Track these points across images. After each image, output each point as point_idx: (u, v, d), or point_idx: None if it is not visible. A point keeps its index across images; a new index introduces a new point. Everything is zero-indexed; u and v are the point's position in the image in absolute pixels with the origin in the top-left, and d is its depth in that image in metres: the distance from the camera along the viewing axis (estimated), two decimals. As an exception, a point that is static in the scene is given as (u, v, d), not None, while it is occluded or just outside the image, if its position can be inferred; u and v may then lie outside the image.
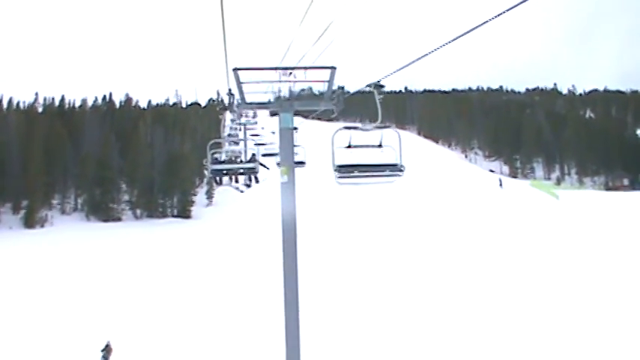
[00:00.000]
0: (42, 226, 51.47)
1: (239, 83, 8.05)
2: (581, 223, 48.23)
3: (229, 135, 26.18)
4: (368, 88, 7.06)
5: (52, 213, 54.53)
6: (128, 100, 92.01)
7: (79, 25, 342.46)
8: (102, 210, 57.04)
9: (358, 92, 9.60)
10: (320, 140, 50.69)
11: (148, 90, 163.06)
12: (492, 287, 27.05)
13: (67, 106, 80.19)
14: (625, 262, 31.71)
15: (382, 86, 7.06)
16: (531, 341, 19.69)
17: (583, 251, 35.43)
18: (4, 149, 53.48)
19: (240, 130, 24.08)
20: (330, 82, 7.98)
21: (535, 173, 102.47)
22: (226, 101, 10.20)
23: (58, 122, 62.84)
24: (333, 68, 7.62)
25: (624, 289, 25.94)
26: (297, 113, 8.67)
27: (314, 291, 23.10)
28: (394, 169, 7.26)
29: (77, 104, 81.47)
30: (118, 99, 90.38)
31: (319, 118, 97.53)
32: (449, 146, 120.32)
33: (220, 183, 62.12)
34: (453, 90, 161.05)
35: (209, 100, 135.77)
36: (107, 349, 17.82)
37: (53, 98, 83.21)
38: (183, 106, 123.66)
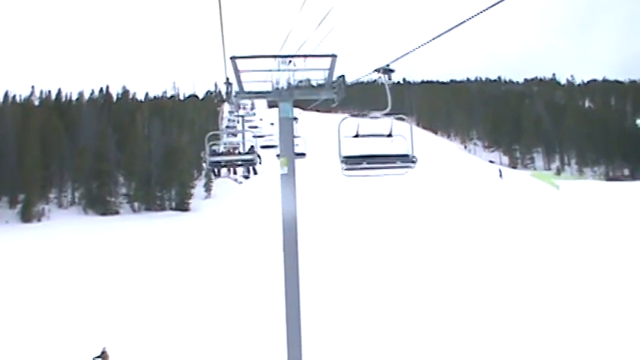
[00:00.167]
0: (39, 220, 51.15)
1: (237, 72, 7.78)
2: (583, 214, 47.98)
3: (227, 127, 25.84)
4: (376, 74, 6.49)
5: (49, 207, 54.23)
6: (125, 92, 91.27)
7: (76, 17, 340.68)
8: (99, 203, 56.71)
9: (357, 83, 9.21)
10: (319, 132, 50.40)
11: (146, 82, 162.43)
12: (494, 279, 26.82)
13: (63, 99, 79.55)
14: (627, 254, 31.49)
15: (392, 70, 6.50)
16: (534, 334, 19.45)
17: (585, 242, 35.21)
18: (0, 143, 53.02)
19: (238, 122, 23.79)
20: (331, 70, 7.71)
21: (535, 163, 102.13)
22: (224, 91, 10.01)
23: (54, 115, 62.35)
24: (333, 56, 7.35)
25: (627, 282, 25.71)
26: (295, 105, 8.35)
27: (315, 287, 22.81)
28: (406, 160, 6.77)
29: (74, 97, 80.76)
30: (115, 92, 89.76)
31: (317, 110, 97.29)
32: (448, 137, 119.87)
33: (219, 175, 61.43)
34: (451, 81, 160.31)
35: (207, 92, 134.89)
36: (103, 357, 17.13)
37: (50, 91, 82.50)
38: (181, 98, 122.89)
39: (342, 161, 6.66)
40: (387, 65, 6.35)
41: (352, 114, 6.71)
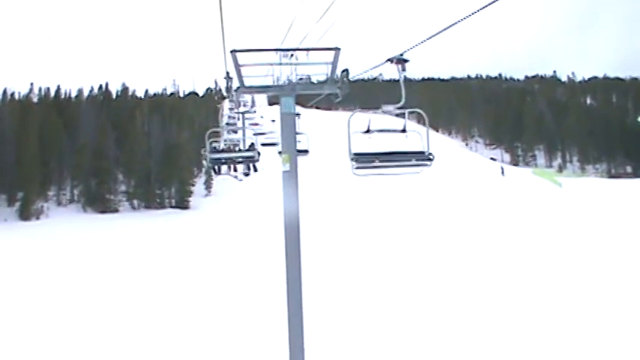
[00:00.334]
0: (37, 218, 50.83)
1: (237, 66, 7.51)
2: (586, 212, 47.68)
3: (227, 124, 25.59)
4: (388, 63, 6.03)
5: (48, 205, 53.91)
6: (125, 89, 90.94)
7: (75, 14, 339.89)
8: (98, 201, 56.43)
9: (358, 80, 8.83)
10: (320, 129, 50.13)
11: (145, 80, 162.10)
12: (498, 276, 26.50)
13: (62, 96, 79.09)
14: (631, 251, 31.17)
15: (406, 60, 6.01)
16: (539, 331, 19.12)
17: (589, 240, 34.90)
18: (-2, 140, 52.84)
19: (238, 119, 23.53)
20: (335, 64, 7.44)
21: (537, 161, 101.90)
22: (224, 86, 9.86)
23: (53, 113, 61.97)
24: (337, 49, 7.09)
25: (630, 279, 25.39)
26: (296, 102, 8.07)
27: (317, 287, 22.48)
28: (422, 157, 6.33)
29: (73, 94, 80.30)
30: (114, 89, 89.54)
31: (317, 107, 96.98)
32: (449, 134, 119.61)
33: (219, 172, 61.33)
34: (452, 78, 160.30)
35: (207, 90, 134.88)
36: None
37: (48, 88, 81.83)
38: (181, 95, 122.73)
39: (352, 159, 6.14)
40: (401, 55, 5.86)
41: (362, 108, 6.21)
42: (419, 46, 5.69)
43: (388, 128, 6.38)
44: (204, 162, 54.67)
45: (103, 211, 55.12)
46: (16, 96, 73.94)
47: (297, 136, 8.91)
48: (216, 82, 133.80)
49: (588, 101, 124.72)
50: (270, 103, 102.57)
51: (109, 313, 22.21)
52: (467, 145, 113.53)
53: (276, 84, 8.04)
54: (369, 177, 6.82)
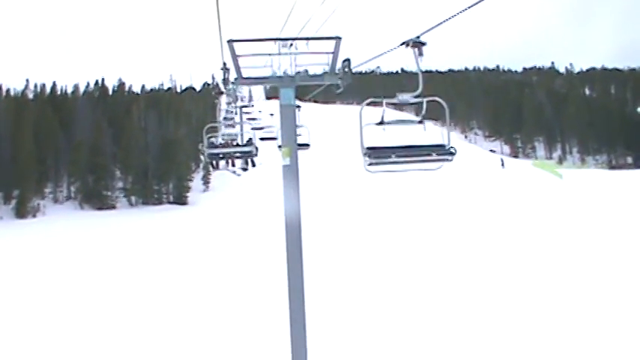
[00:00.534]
0: (34, 215, 50.51)
1: (235, 56, 7.19)
2: (587, 203, 47.44)
3: (225, 118, 25.17)
4: (403, 47, 5.42)
5: (45, 202, 53.61)
6: (121, 85, 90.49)
7: (71, 9, 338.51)
8: (96, 198, 56.12)
9: (355, 73, 8.41)
10: (319, 123, 49.75)
11: (142, 75, 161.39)
12: (499, 269, 26.19)
13: (58, 92, 78.48)
14: (633, 243, 30.89)
15: (423, 43, 5.40)
16: (541, 327, 18.81)
17: (589, 232, 34.62)
18: (-6, 137, 52.41)
19: (236, 114, 23.17)
20: (335, 54, 7.18)
21: (536, 153, 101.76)
22: (221, 78, 9.57)
23: (49, 109, 61.55)
24: (338, 39, 6.84)
25: (632, 273, 25.09)
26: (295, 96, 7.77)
27: (319, 285, 22.13)
28: (443, 152, 5.74)
29: (69, 90, 79.94)
30: (110, 84, 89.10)
31: (315, 101, 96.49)
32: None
33: (217, 167, 61.44)
34: (450, 70, 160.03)
35: (204, 85, 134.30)
36: None
37: (44, 84, 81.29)
38: (178, 90, 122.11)
39: (364, 154, 5.52)
40: (418, 37, 5.28)
41: (373, 98, 5.64)
42: (428, 33, 5.27)
43: (404, 119, 5.82)
44: (202, 157, 54.52)
45: (100, 208, 54.80)
46: (12, 92, 73.42)
47: (298, 129, 8.57)
48: (213, 77, 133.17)
49: (587, 92, 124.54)
50: (268, 97, 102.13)
51: (108, 311, 21.87)
52: (466, 137, 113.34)
53: (275, 74, 7.71)
54: (371, 173, 6.20)
